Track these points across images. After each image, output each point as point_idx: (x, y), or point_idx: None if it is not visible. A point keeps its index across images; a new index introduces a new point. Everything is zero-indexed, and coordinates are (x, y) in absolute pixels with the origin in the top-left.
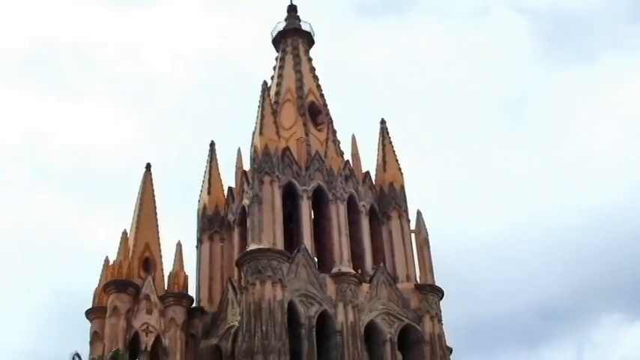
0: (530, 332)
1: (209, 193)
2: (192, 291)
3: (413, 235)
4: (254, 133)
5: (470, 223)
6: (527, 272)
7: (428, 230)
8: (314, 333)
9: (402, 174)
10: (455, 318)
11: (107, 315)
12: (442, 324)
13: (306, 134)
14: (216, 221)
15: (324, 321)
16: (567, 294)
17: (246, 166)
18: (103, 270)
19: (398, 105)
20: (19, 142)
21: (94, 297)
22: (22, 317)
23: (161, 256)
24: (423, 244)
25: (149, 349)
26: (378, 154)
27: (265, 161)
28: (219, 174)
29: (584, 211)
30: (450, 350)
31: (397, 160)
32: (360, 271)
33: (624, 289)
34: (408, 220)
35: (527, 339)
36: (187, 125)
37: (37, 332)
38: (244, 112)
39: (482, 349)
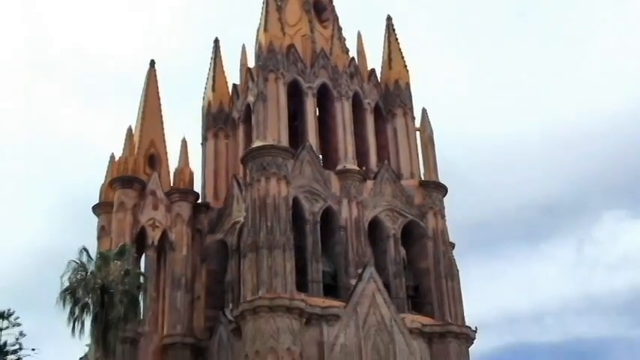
0: (532, 228)
1: (213, 90)
2: (197, 187)
3: (418, 132)
4: (258, 29)
5: (475, 122)
6: (530, 170)
7: (433, 128)
8: (318, 228)
9: (407, 71)
10: (458, 215)
11: (114, 210)
12: (445, 220)
13: (311, 31)
14: (220, 118)
15: (328, 217)
16: (569, 191)
17: (251, 63)
18: (108, 166)
19: (404, 2)
20: (20, 44)
21: (101, 193)
22: (31, 214)
23: (166, 153)
24: (428, 141)
25: (156, 243)
26: (383, 52)
27: (270, 58)
28: (223, 71)
29: (588, 111)
30: (453, 245)
31: (403, 58)
32: (364, 168)
33: (626, 186)
34: (413, 118)
35: (528, 235)
36: (191, 22)
37: (45, 228)
38: (249, 9)
39: (484, 244)
